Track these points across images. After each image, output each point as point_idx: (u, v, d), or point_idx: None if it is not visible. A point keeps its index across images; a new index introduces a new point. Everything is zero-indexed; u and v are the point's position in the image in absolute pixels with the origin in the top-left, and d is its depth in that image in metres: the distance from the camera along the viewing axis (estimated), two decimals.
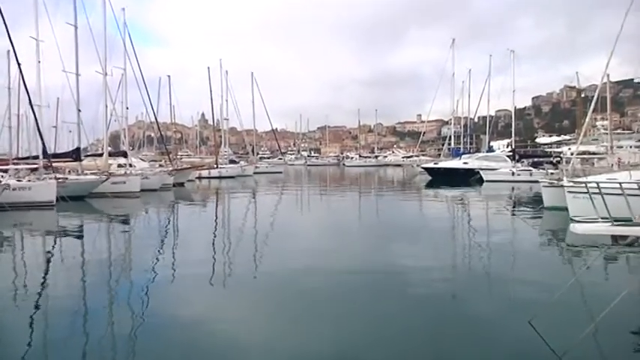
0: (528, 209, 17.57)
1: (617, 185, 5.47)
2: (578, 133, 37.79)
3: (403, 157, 78.30)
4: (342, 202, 21.58)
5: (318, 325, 5.53)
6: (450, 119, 56.50)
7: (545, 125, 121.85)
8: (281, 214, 17.35)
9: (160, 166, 34.48)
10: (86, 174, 23.43)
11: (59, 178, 19.41)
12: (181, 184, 29.73)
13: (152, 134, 61.80)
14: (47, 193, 17.93)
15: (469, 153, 46.88)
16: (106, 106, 26.80)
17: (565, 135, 73.56)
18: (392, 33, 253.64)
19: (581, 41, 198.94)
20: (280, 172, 52.39)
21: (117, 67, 28.68)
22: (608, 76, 26.68)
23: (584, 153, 28.75)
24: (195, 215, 18.10)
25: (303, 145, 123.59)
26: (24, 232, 13.55)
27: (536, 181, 18.90)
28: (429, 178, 36.51)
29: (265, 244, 10.87)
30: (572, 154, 24.00)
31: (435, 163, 40.79)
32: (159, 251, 9.95)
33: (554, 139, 72.19)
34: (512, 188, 26.56)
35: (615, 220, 4.93)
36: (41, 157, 20.80)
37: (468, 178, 31.45)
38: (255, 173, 45.80)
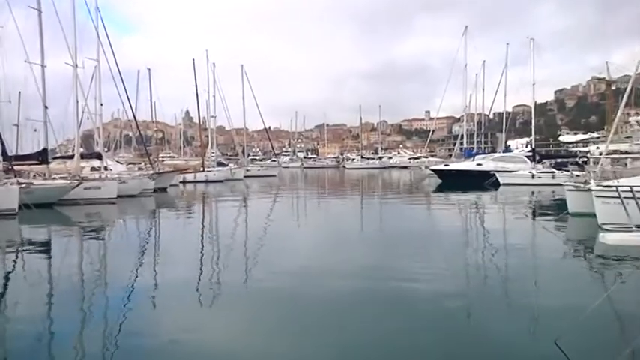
0: (551, 216, 17.53)
1: None
2: (608, 130, 37.80)
3: (410, 159, 78.59)
4: (343, 211, 21.51)
5: (319, 349, 5.45)
6: (462, 116, 56.55)
7: (569, 122, 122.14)
8: (275, 224, 17.25)
9: (140, 169, 34.44)
10: (54, 178, 23.25)
11: (22, 184, 19.17)
12: (163, 190, 29.61)
13: (130, 134, 61.85)
14: (8, 200, 17.60)
15: (483, 153, 47.07)
16: (77, 102, 26.51)
17: (592, 132, 73.67)
18: (397, 20, 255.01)
19: (611, 26, 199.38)
20: (274, 176, 52.43)
21: (89, 59, 28.53)
22: None
23: (614, 152, 28.74)
24: (179, 225, 17.99)
25: (298, 145, 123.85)
26: None
27: (560, 185, 18.89)
28: (439, 181, 36.62)
29: (258, 259, 10.71)
30: (600, 153, 24.00)
31: (445, 165, 40.92)
32: (138, 267, 9.82)
33: (580, 137, 72.41)
34: (532, 193, 26.56)
35: None
36: (0, 159, 20.60)
37: (483, 181, 31.45)
38: (245, 177, 45.77)
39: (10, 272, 9.90)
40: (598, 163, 18.87)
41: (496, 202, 24.16)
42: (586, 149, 45.36)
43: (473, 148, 53.65)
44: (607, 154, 20.94)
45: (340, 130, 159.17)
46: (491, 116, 65.68)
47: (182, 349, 5.42)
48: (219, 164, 50.23)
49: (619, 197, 5.64)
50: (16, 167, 20.92)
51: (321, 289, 7.86)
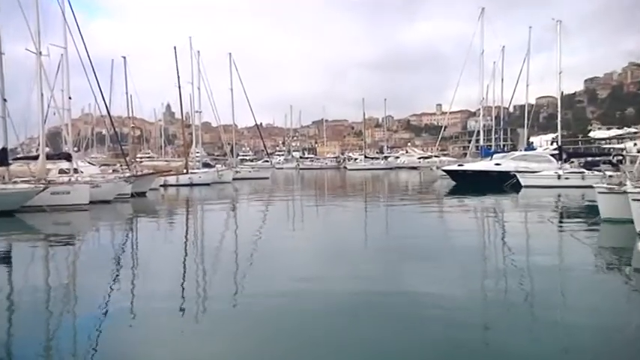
0: (580, 222, 17.52)
1: None
2: None
3: (419, 158, 78.97)
4: (343, 220, 21.39)
5: None
6: (478, 109, 56.69)
7: (601, 115, 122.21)
8: (268, 234, 17.16)
9: (114, 171, 34.35)
10: (16, 182, 23.17)
11: None
12: (142, 194, 29.61)
13: (103, 131, 62.00)
14: None
15: (503, 152, 47.22)
16: (42, 95, 26.30)
17: (629, 127, 73.87)
18: (405, 2, 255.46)
19: None
20: (266, 178, 52.64)
21: (55, 45, 28.20)
22: None
23: None
24: (159, 235, 17.89)
25: (294, 143, 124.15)
26: None
27: (590, 187, 18.83)
28: (452, 183, 36.75)
29: (245, 280, 10.46)
30: (638, 151, 23.97)
31: (459, 165, 40.97)
32: (111, 285, 9.71)
33: (614, 132, 72.70)
34: (559, 196, 26.64)
35: None
36: None
37: (502, 183, 31.54)
38: (234, 179, 45.95)
39: None
40: (636, 162, 18.74)
41: (518, 207, 24.16)
42: (621, 146, 45.48)
43: (490, 145, 53.79)
44: None
45: (341, 126, 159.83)
46: (511, 109, 65.80)
47: None
48: (205, 165, 50.33)
49: None
50: None
51: (315, 317, 7.73)
